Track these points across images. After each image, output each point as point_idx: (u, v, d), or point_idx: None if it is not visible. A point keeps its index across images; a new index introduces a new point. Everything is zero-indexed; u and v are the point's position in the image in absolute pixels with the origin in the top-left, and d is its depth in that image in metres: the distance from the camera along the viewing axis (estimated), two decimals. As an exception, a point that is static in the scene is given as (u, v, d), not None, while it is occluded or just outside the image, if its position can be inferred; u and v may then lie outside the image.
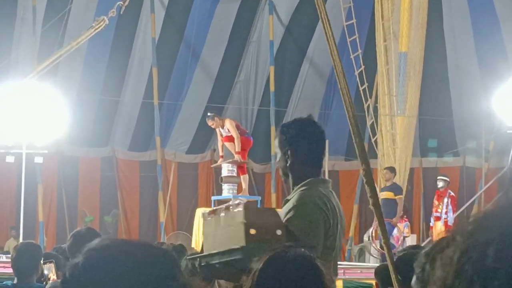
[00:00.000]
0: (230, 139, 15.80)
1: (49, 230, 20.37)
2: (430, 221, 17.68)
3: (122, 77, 20.75)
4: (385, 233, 4.23)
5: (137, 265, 1.44)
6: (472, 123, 19.27)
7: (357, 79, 18.39)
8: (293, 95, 21.39)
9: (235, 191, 15.77)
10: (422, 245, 16.28)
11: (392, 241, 15.94)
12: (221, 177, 15.95)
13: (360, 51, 18.70)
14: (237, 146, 15.59)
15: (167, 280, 1.46)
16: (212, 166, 19.43)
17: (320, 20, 4.28)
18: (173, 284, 1.47)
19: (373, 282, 5.38)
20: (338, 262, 4.22)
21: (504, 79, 17.74)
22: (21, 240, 14.45)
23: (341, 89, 4.17)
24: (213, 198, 16.98)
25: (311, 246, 3.29)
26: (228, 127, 15.69)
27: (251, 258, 2.87)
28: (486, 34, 19.48)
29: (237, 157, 15.60)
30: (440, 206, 16.79)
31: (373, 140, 18.22)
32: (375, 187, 4.27)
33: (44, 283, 5.85)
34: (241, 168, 15.88)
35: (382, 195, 16.54)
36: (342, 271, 13.06)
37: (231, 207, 3.59)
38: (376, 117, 18.56)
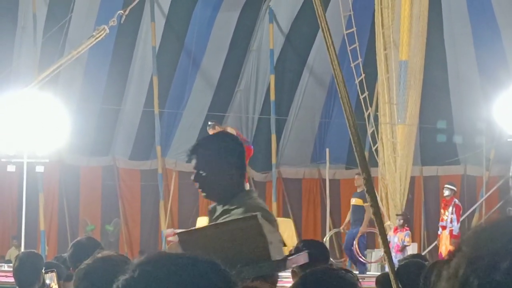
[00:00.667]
0: (231, 147, 15.76)
1: (51, 239, 20.36)
2: (430, 230, 17.58)
3: (123, 86, 20.78)
4: (386, 242, 4.23)
5: (196, 279, 1.40)
6: (473, 131, 19.26)
7: (358, 87, 18.36)
8: (294, 103, 21.37)
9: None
10: (424, 253, 16.28)
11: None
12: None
13: (360, 59, 18.68)
14: (238, 154, 15.55)
15: None
16: (213, 174, 19.38)
17: (320, 28, 4.28)
18: None
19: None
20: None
21: (505, 87, 17.74)
22: (22, 249, 14.47)
23: (342, 98, 4.17)
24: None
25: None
26: (229, 135, 15.66)
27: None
28: (487, 42, 19.48)
29: (238, 165, 15.55)
30: (446, 215, 16.51)
31: (373, 148, 18.19)
32: (376, 195, 4.26)
33: (45, 292, 5.84)
34: (242, 176, 15.83)
35: (352, 201, 16.48)
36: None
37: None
38: (376, 125, 18.54)
